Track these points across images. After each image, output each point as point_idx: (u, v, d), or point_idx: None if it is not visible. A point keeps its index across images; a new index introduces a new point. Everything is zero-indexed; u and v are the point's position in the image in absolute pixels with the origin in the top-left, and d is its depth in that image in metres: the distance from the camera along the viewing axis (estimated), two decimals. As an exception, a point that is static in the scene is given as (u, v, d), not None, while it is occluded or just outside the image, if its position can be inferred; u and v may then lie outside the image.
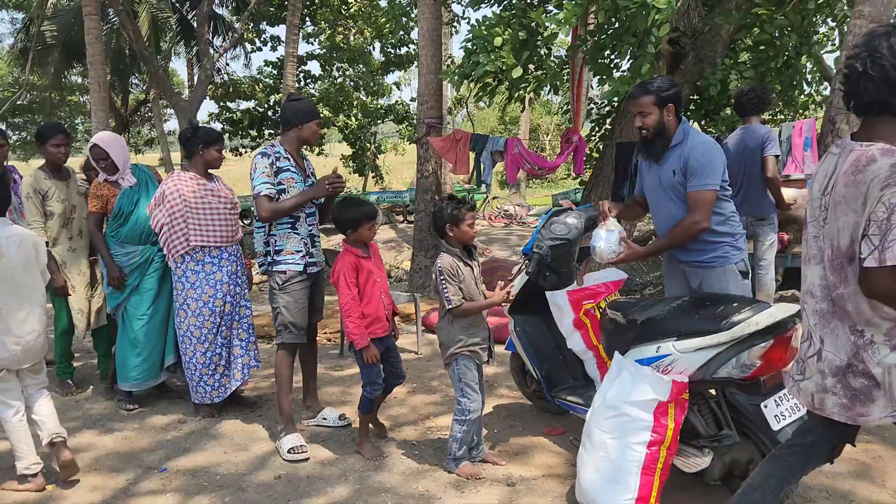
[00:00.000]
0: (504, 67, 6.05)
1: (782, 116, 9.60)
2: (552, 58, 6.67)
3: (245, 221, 15.07)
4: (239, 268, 4.40)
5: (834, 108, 6.00)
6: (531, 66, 6.35)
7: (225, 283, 4.29)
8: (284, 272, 3.92)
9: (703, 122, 8.42)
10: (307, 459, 3.74)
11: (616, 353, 3.18)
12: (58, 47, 16.88)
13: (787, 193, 5.61)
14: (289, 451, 3.77)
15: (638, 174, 3.71)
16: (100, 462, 3.82)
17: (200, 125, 4.64)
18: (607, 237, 3.36)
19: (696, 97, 8.26)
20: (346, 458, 3.76)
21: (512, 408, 4.45)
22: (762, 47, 7.61)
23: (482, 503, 3.22)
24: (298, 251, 3.95)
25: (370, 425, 3.92)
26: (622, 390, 2.99)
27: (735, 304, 2.92)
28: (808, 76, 8.22)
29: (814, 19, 7.35)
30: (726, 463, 3.04)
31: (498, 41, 5.98)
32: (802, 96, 8.47)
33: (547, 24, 6.06)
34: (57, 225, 4.74)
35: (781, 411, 2.86)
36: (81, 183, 5.05)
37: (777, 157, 5.31)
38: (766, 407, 2.85)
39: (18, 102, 22.57)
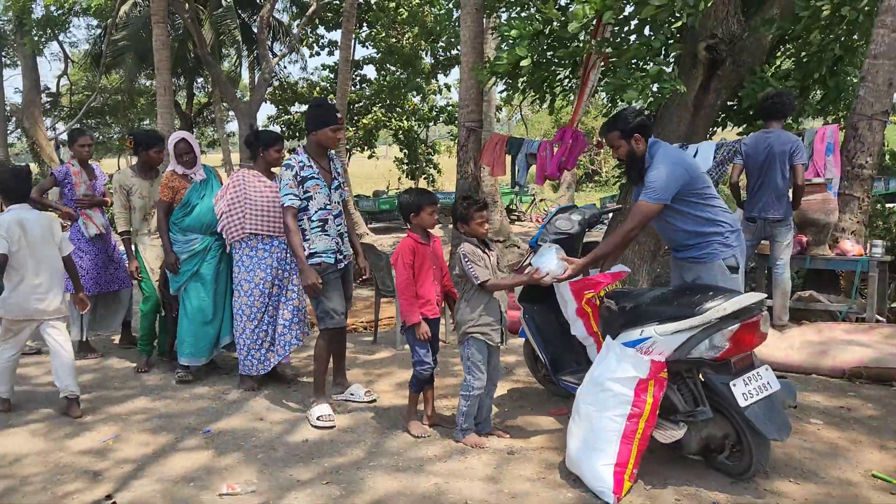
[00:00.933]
0: (519, 57, 6.24)
1: (828, 121, 9.56)
2: (569, 50, 6.73)
3: None
4: (288, 255, 4.81)
5: (857, 115, 6.14)
6: (546, 57, 6.51)
7: (274, 268, 4.78)
8: (320, 264, 4.30)
9: (741, 128, 8.54)
10: (333, 427, 4.17)
11: (608, 336, 3.51)
12: (129, 53, 17.92)
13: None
14: (318, 419, 4.20)
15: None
16: (152, 422, 4.33)
17: (260, 129, 5.23)
18: (547, 260, 3.67)
19: (733, 103, 8.39)
20: (366, 427, 4.17)
21: (524, 391, 4.79)
22: (805, 56, 7.66)
23: (481, 466, 3.58)
24: (330, 248, 4.36)
25: (418, 406, 4.21)
26: (608, 369, 3.32)
27: (710, 293, 3.23)
28: (852, 88, 8.19)
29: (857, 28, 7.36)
30: (703, 438, 3.32)
31: (514, 33, 6.22)
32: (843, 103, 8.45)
33: (564, 18, 6.18)
34: (139, 217, 5.44)
35: (749, 390, 3.14)
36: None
37: (805, 165, 5.52)
38: (734, 386, 3.13)
39: (92, 105, 23.97)
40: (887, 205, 8.47)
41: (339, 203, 4.48)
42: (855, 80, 8.47)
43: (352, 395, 4.67)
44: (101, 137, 29.46)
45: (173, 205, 5.12)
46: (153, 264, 5.38)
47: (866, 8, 6.38)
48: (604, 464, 3.20)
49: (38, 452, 3.91)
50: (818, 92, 7.82)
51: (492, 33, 12.94)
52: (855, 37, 7.18)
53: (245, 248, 4.78)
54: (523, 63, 6.27)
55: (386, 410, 4.45)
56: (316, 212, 4.32)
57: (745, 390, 3.13)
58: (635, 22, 6.52)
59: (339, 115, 4.37)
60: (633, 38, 6.74)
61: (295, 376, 5.21)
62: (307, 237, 4.33)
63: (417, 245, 3.96)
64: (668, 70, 5.95)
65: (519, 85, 7.30)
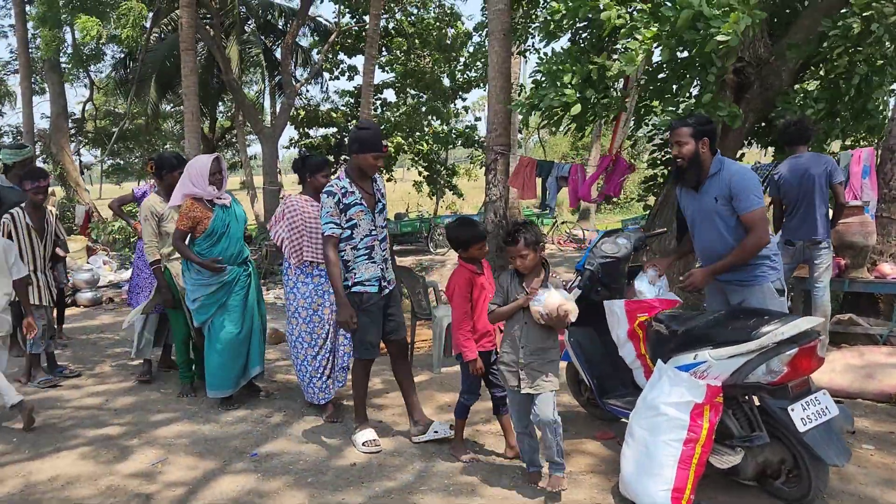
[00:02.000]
0: (569, 102, 6.33)
1: (864, 143, 9.52)
2: (612, 92, 6.90)
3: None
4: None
5: (893, 137, 6.14)
6: (593, 101, 6.61)
7: (332, 294, 4.53)
8: (362, 294, 4.16)
9: (769, 151, 8.55)
10: (379, 451, 4.16)
11: (659, 360, 3.51)
12: (150, 79, 18.18)
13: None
14: (363, 444, 4.19)
15: (679, 205, 4.05)
16: (197, 446, 4.36)
17: (307, 155, 5.16)
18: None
19: (761, 126, 8.40)
20: (412, 451, 4.17)
21: (566, 415, 4.74)
22: (832, 76, 7.66)
23: (532, 491, 3.57)
24: (374, 276, 4.21)
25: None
26: (662, 392, 3.31)
27: (765, 317, 3.22)
28: (881, 105, 8.17)
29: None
30: (759, 463, 3.31)
31: (567, 78, 6.28)
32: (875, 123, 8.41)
33: (612, 63, 6.28)
34: (169, 242, 5.22)
35: (808, 415, 3.12)
36: None
37: (842, 184, 5.53)
38: (793, 410, 3.11)
39: (113, 130, 24.32)
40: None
41: (383, 228, 4.35)
42: (882, 102, 8.47)
43: (435, 432, 4.27)
44: (122, 162, 29.90)
45: (192, 235, 4.91)
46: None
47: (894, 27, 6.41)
48: (661, 489, 3.18)
49: (89, 476, 3.94)
50: (847, 114, 7.83)
51: (515, 56, 13.06)
52: (883, 59, 7.20)
53: (300, 275, 4.75)
54: (573, 111, 6.33)
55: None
56: (362, 239, 4.17)
57: (804, 415, 3.11)
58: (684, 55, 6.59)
59: (384, 142, 4.27)
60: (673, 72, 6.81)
61: (337, 400, 5.22)
62: (351, 267, 4.16)
63: (473, 276, 3.86)
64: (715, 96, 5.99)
65: (562, 124, 7.36)
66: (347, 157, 4.48)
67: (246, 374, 5.12)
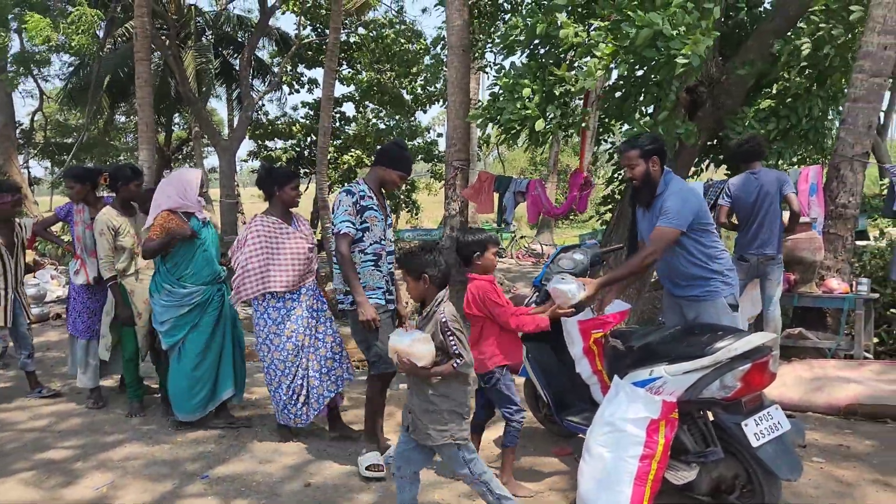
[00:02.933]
0: (529, 116, 6.36)
1: (811, 161, 9.76)
2: (573, 107, 6.97)
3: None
4: (316, 301, 4.57)
5: (838, 156, 6.32)
6: (554, 115, 6.65)
7: (305, 318, 4.45)
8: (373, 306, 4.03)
9: (721, 168, 8.73)
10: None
11: (615, 376, 3.53)
12: (102, 89, 17.77)
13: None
14: (366, 469, 3.98)
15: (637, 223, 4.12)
16: (149, 469, 4.23)
17: (273, 167, 4.86)
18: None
19: (713, 143, 8.59)
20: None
21: (525, 432, 4.74)
22: (788, 97, 7.85)
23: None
24: (380, 287, 4.14)
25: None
26: (618, 409, 3.33)
27: (719, 333, 3.27)
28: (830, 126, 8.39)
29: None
30: (714, 478, 3.34)
31: (526, 92, 6.30)
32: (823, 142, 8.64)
33: (571, 77, 6.34)
34: (127, 258, 5.10)
35: (761, 430, 3.16)
36: (144, 217, 5.24)
37: (795, 193, 5.66)
38: (746, 425, 3.15)
39: (64, 141, 23.74)
40: (857, 242, 8.68)
41: (391, 241, 4.29)
42: (830, 122, 8.73)
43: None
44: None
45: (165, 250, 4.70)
46: (140, 307, 5.10)
47: (849, 45, 6.62)
48: (617, 506, 3.19)
49: (33, 503, 3.79)
50: (795, 133, 8.04)
51: (475, 72, 13.15)
52: (830, 80, 7.44)
53: (271, 299, 4.43)
54: (537, 126, 6.36)
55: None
56: (371, 245, 4.09)
57: (757, 430, 3.15)
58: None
59: (412, 168, 4.21)
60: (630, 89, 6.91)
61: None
62: (356, 271, 4.04)
63: (494, 285, 3.74)
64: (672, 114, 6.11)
65: (520, 139, 7.40)
66: (371, 166, 4.33)
67: (215, 398, 4.85)
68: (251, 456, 4.40)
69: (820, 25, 6.73)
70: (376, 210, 4.13)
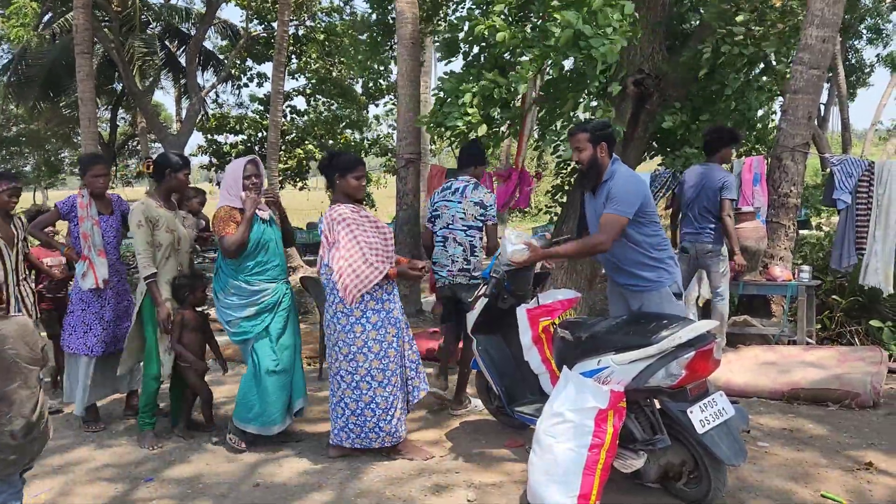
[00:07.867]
0: (472, 122, 6.37)
1: (755, 152, 9.97)
2: (515, 108, 7.02)
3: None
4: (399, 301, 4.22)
5: (780, 147, 6.47)
6: (497, 119, 6.78)
7: (401, 319, 4.15)
8: None
9: (664, 159, 8.87)
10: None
11: (564, 366, 3.54)
12: (38, 81, 17.17)
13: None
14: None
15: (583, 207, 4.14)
16: (97, 473, 4.10)
17: (337, 152, 4.40)
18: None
19: (659, 135, 8.71)
20: (326, 467, 4.05)
21: (478, 424, 4.77)
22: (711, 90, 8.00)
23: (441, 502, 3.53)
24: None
25: None
26: (567, 399, 3.34)
27: (664, 321, 3.31)
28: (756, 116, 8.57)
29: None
30: (661, 465, 3.38)
31: (468, 98, 6.31)
32: (754, 133, 8.82)
33: (504, 80, 6.39)
34: (163, 257, 4.50)
35: (706, 416, 3.21)
36: (186, 216, 4.87)
37: (734, 200, 5.70)
38: (692, 413, 3.20)
39: (6, 135, 22.95)
40: (800, 231, 8.92)
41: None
42: (766, 115, 8.92)
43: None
44: (12, 169, 28.18)
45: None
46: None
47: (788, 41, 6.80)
48: (568, 496, 3.20)
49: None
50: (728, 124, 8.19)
51: (422, 64, 13.10)
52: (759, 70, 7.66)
53: (370, 300, 3.97)
54: (480, 131, 6.50)
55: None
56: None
57: (702, 417, 3.20)
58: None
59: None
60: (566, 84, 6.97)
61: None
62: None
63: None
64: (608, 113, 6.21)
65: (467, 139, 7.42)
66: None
67: (290, 411, 4.45)
68: (199, 458, 4.29)
69: (717, 30, 6.88)
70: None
